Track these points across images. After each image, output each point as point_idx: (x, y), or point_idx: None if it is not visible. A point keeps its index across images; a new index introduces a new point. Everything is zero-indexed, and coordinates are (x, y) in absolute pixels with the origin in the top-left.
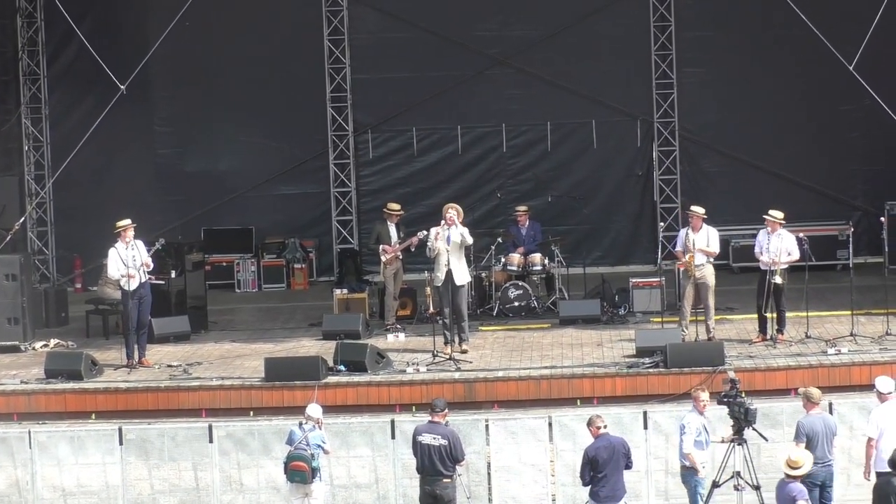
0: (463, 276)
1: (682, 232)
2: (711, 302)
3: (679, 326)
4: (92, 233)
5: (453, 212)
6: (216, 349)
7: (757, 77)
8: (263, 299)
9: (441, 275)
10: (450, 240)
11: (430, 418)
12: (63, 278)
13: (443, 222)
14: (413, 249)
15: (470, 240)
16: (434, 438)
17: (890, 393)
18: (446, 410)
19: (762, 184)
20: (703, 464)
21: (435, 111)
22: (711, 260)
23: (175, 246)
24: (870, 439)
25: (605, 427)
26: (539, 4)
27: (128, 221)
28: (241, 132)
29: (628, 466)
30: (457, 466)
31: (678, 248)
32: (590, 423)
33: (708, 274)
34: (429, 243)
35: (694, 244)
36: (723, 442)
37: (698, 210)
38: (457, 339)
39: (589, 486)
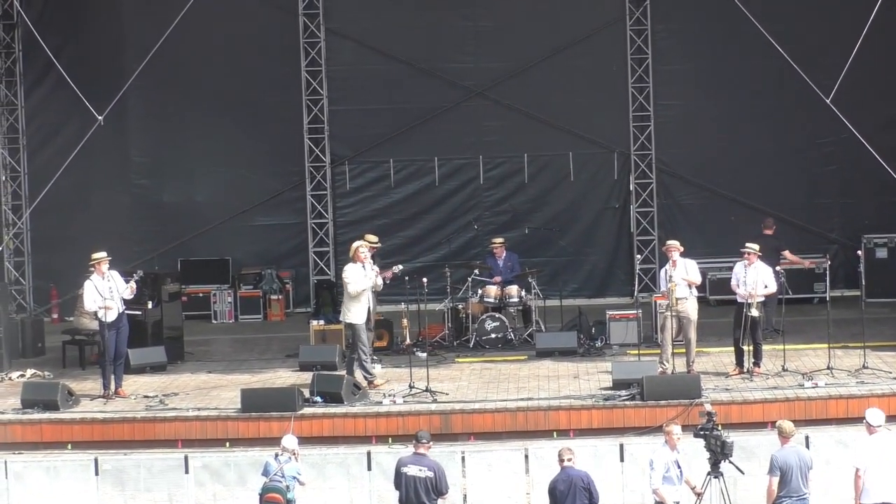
0: (358, 315)
1: (663, 270)
2: (693, 335)
3: (659, 360)
4: (69, 263)
5: (364, 249)
6: (192, 380)
7: (733, 110)
8: (240, 330)
9: (363, 312)
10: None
11: (414, 450)
12: (40, 308)
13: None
14: (388, 281)
15: (379, 282)
16: (420, 470)
17: (880, 426)
18: (431, 443)
19: (739, 217)
20: (678, 501)
21: (412, 143)
22: (695, 292)
23: (152, 276)
24: (857, 470)
25: (569, 460)
26: (516, 36)
27: (103, 254)
28: (218, 163)
29: (593, 501)
30: (439, 500)
31: (663, 288)
32: (558, 456)
33: (690, 308)
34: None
35: (671, 279)
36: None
37: (674, 243)
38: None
39: None
